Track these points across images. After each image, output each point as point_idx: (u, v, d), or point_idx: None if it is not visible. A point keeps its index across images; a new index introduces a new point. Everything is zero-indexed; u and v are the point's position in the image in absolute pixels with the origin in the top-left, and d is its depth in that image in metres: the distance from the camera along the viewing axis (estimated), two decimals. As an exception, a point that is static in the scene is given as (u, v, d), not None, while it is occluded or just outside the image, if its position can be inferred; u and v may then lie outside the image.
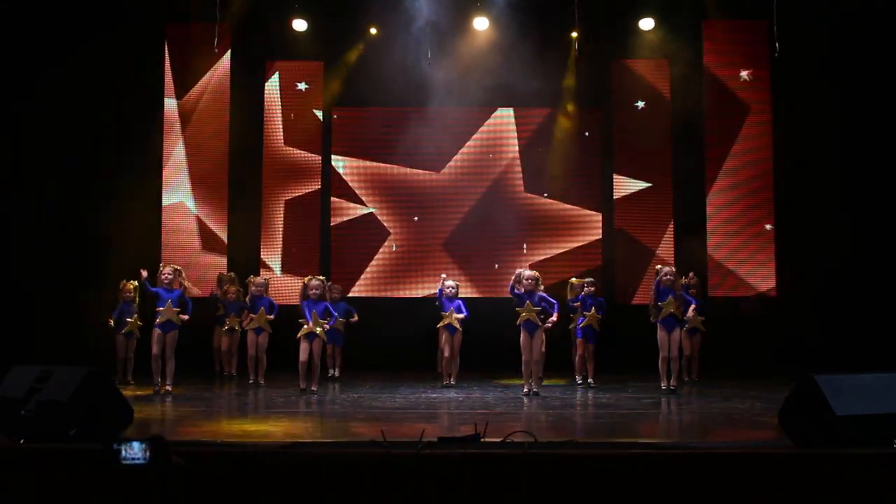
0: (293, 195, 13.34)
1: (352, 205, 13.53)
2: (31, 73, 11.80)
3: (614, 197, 13.27)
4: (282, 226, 13.28)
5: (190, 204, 12.85)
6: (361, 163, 13.56)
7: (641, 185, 13.19)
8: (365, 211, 13.48)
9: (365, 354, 12.06)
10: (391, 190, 13.51)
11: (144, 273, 9.87)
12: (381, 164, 13.51)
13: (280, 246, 13.24)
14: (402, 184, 13.50)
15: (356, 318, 11.62)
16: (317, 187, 13.38)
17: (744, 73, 12.61)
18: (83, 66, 12.04)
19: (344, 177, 13.54)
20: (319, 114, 13.44)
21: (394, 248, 13.25)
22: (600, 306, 10.75)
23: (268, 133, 13.36)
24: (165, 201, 12.82)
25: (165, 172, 12.86)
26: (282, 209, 13.30)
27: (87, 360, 6.27)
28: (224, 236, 12.82)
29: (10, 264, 11.72)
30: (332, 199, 13.52)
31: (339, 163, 13.56)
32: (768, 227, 11.91)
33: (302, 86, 13.36)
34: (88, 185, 12.19)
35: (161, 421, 7.80)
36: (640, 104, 13.23)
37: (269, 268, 13.02)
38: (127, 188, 12.38)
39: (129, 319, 10.68)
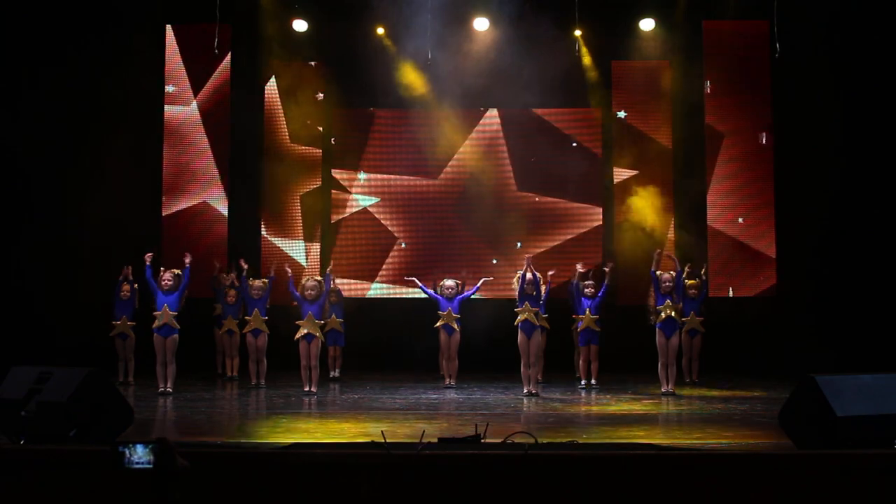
0: (294, 196, 13.33)
1: (352, 204, 13.51)
2: (29, 73, 11.79)
3: (614, 197, 13.26)
4: (282, 227, 13.28)
5: (190, 205, 12.84)
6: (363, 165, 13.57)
7: (641, 184, 13.18)
8: (366, 206, 13.46)
9: (365, 355, 12.05)
10: (391, 191, 13.49)
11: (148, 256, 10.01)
12: (382, 165, 13.50)
13: (280, 247, 13.24)
14: (401, 185, 13.48)
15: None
16: (317, 187, 13.37)
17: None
18: (83, 66, 12.05)
19: (342, 183, 13.53)
20: (320, 115, 13.42)
21: (402, 245, 13.23)
22: (597, 306, 10.65)
23: (269, 134, 13.35)
24: (165, 202, 12.82)
25: (166, 174, 12.86)
26: (282, 210, 13.30)
27: (86, 361, 6.26)
28: (225, 237, 12.82)
29: (11, 265, 11.72)
30: (333, 198, 13.51)
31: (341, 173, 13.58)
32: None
33: (303, 87, 13.35)
34: (89, 185, 12.19)
35: (161, 422, 7.81)
36: (640, 105, 13.22)
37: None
38: (127, 189, 12.38)
39: (116, 322, 10.69)
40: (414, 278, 11.26)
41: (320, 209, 13.41)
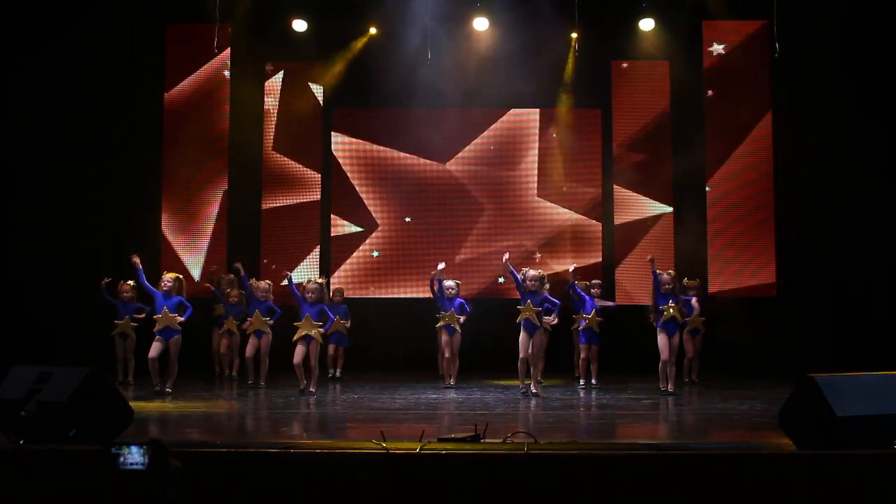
0: (293, 195, 13.32)
1: (352, 201, 13.49)
2: (26, 73, 11.79)
3: (614, 197, 13.26)
4: (282, 226, 13.27)
5: (190, 204, 12.85)
6: (361, 163, 13.55)
7: (642, 183, 13.19)
8: (365, 196, 13.47)
9: (365, 355, 12.04)
10: (391, 189, 13.48)
11: (136, 259, 9.89)
12: (382, 164, 13.49)
13: (280, 247, 13.23)
14: (402, 183, 13.47)
15: (349, 323, 11.62)
16: (317, 186, 13.36)
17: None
18: (82, 67, 12.04)
19: (344, 167, 13.49)
20: (319, 115, 13.41)
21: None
22: (600, 309, 10.68)
23: (267, 134, 13.35)
24: (165, 201, 12.83)
25: (165, 173, 12.86)
26: (281, 209, 13.29)
27: (87, 360, 6.25)
28: (223, 237, 12.82)
29: (10, 264, 11.72)
30: (333, 197, 13.49)
31: (340, 153, 13.53)
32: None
33: (301, 87, 13.33)
34: (89, 185, 12.19)
35: (161, 422, 7.80)
36: (640, 105, 13.21)
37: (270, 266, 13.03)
38: (127, 188, 12.40)
39: (119, 322, 10.67)
40: (441, 265, 10.83)
41: (319, 208, 13.39)
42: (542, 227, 13.35)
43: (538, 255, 11.05)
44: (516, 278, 9.75)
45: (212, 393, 10.15)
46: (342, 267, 13.33)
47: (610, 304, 10.82)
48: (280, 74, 13.36)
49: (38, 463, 5.00)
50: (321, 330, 9.80)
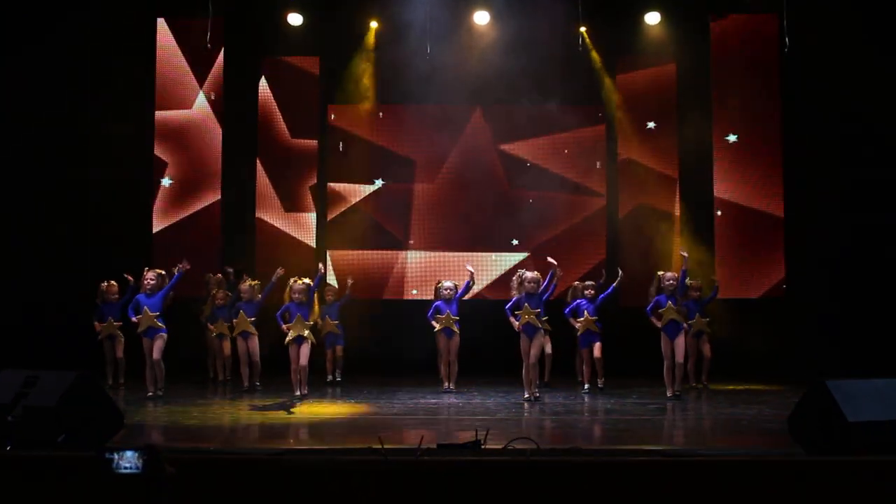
0: (290, 193, 13.22)
1: (352, 189, 13.37)
2: (21, 72, 11.71)
3: (618, 197, 13.17)
4: (279, 224, 13.18)
5: (184, 203, 12.76)
6: (360, 162, 13.45)
7: (646, 182, 13.10)
8: (362, 196, 13.36)
9: (363, 358, 11.93)
10: (388, 187, 13.38)
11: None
12: (380, 162, 13.39)
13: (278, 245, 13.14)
14: (400, 182, 13.37)
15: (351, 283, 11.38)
16: (313, 182, 13.25)
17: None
18: (75, 63, 11.98)
19: (347, 169, 13.43)
20: (315, 110, 13.30)
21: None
22: (597, 308, 10.50)
23: (262, 130, 13.24)
24: (158, 200, 12.73)
25: (157, 170, 12.77)
26: (278, 207, 13.19)
27: (75, 364, 6.16)
28: (219, 236, 12.72)
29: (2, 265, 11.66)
30: (331, 191, 13.40)
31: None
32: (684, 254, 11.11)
33: (297, 82, 13.24)
34: (84, 184, 12.12)
35: (152, 426, 7.71)
36: (646, 102, 13.11)
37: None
38: (121, 187, 12.31)
39: (103, 323, 10.58)
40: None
41: (317, 209, 13.28)
42: (541, 227, 13.23)
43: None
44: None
45: (205, 398, 10.03)
46: (341, 267, 13.20)
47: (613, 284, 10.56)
48: (275, 69, 13.24)
49: (32, 468, 4.94)
50: (309, 322, 9.73)
